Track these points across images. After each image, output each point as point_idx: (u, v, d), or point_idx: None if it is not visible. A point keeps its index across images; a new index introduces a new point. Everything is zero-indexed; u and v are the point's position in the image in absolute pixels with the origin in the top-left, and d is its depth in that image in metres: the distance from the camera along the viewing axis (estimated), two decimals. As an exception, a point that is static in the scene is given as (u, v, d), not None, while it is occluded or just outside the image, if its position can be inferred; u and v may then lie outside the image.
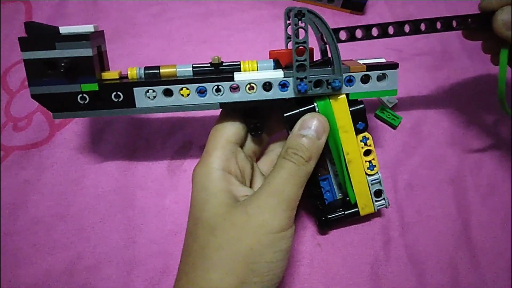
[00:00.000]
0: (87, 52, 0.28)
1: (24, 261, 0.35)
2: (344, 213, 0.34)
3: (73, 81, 0.29)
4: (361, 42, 0.31)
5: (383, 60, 0.32)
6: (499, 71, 0.32)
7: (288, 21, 0.32)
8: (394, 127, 0.40)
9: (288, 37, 0.33)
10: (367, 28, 0.30)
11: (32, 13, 0.45)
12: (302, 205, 0.29)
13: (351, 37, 0.30)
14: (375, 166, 0.32)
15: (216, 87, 0.29)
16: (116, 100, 0.29)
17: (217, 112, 0.32)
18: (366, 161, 0.32)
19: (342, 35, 0.30)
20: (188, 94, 0.30)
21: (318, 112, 0.30)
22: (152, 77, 0.30)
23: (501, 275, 0.36)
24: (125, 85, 0.29)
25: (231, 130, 0.31)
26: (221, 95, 0.30)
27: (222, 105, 0.30)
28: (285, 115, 0.30)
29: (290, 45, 0.32)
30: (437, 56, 0.44)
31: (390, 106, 0.41)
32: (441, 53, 0.44)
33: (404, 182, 0.39)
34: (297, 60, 0.29)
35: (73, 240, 0.36)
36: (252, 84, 0.29)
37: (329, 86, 0.29)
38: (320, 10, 0.36)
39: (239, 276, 0.26)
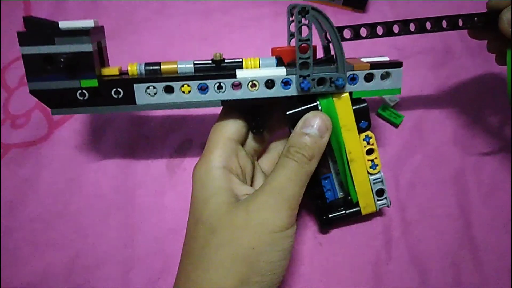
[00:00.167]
0: (87, 47, 0.27)
1: (22, 259, 0.35)
2: (345, 212, 0.34)
3: (73, 77, 0.28)
4: (363, 40, 0.31)
5: (386, 58, 0.32)
6: (507, 72, 0.32)
7: (291, 18, 0.32)
8: (396, 125, 0.40)
9: (291, 34, 0.32)
10: (372, 27, 0.30)
11: (31, 10, 0.44)
12: (303, 204, 0.29)
13: (355, 36, 0.30)
14: (377, 165, 0.32)
15: (217, 84, 0.29)
16: (116, 97, 0.29)
17: (217, 110, 0.32)
18: (368, 160, 0.32)
19: (347, 33, 0.30)
20: (189, 91, 0.29)
21: (321, 110, 0.30)
22: (152, 74, 0.29)
23: (504, 274, 0.35)
24: (126, 82, 0.29)
25: (232, 128, 0.30)
26: (223, 92, 0.29)
27: (223, 102, 0.30)
28: (287, 113, 0.30)
29: (292, 42, 0.32)
30: (439, 54, 0.44)
31: (392, 105, 0.41)
32: (443, 52, 0.44)
33: (406, 181, 0.38)
34: (300, 58, 0.28)
35: (72, 239, 0.36)
36: (254, 82, 0.29)
37: (333, 84, 0.29)
38: (321, 8, 0.36)
39: (240, 275, 0.26)
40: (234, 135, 0.30)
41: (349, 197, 0.33)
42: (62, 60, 0.27)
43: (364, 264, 0.35)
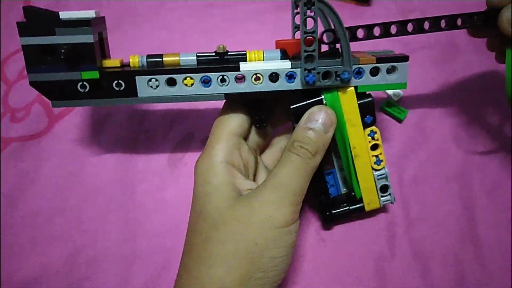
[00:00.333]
0: (88, 38, 0.27)
1: (22, 254, 0.35)
2: (349, 208, 0.33)
3: (73, 69, 0.28)
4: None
5: (392, 52, 0.31)
6: (505, 71, 0.31)
7: (295, 10, 0.31)
8: (399, 121, 0.40)
9: (296, 27, 0.32)
10: (369, 28, 0.29)
11: (30, 4, 0.44)
12: (306, 199, 0.28)
13: (353, 37, 0.30)
14: (381, 161, 0.32)
15: (221, 77, 0.29)
16: (117, 89, 0.28)
17: (219, 104, 0.31)
18: (373, 156, 0.31)
19: (360, 33, 0.29)
20: (192, 84, 0.29)
21: (326, 104, 0.29)
22: (154, 66, 0.29)
23: (507, 271, 0.35)
24: (127, 74, 0.28)
25: (235, 122, 0.30)
26: (226, 85, 0.29)
27: (227, 95, 0.29)
28: (291, 107, 0.29)
29: (297, 35, 0.32)
30: (443, 49, 0.43)
31: (396, 100, 0.40)
32: (447, 46, 0.44)
33: (409, 177, 0.38)
34: (305, 51, 0.28)
35: (72, 234, 0.35)
36: (258, 75, 0.29)
37: (338, 78, 0.29)
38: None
39: (243, 271, 0.26)
40: (237, 130, 0.30)
41: (353, 193, 0.33)
42: (62, 51, 0.26)
43: (367, 260, 0.35)
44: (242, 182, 0.29)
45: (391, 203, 0.33)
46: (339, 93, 0.29)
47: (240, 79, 0.29)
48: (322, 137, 0.28)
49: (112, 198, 0.36)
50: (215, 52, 0.29)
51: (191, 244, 0.28)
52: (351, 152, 0.31)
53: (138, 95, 0.29)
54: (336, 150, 0.32)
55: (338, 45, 0.29)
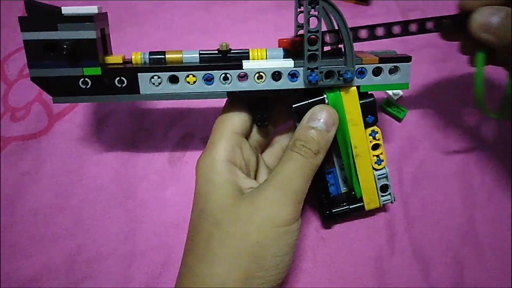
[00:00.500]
0: (91, 34, 0.27)
1: (23, 253, 0.35)
2: (349, 208, 0.33)
3: (75, 64, 0.27)
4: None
5: (394, 52, 0.31)
6: (475, 75, 0.31)
7: (299, 9, 0.31)
8: (399, 120, 0.40)
9: (299, 26, 0.32)
10: (354, 31, 0.29)
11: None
12: (306, 198, 0.28)
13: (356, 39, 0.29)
14: (382, 160, 0.32)
15: (223, 75, 0.28)
16: (119, 86, 0.28)
17: (219, 103, 0.31)
18: (373, 156, 0.31)
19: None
20: (194, 82, 0.29)
21: (328, 104, 0.29)
22: (157, 63, 0.29)
23: (507, 270, 0.35)
24: (130, 70, 0.28)
25: (237, 120, 0.30)
26: (229, 83, 0.29)
27: (229, 94, 0.29)
28: (293, 106, 0.29)
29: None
30: (443, 47, 0.43)
31: (395, 99, 0.40)
32: (447, 45, 0.43)
33: (409, 176, 0.38)
34: (309, 50, 0.28)
35: (73, 232, 0.35)
36: (261, 73, 0.29)
37: (341, 78, 0.29)
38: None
39: (244, 270, 0.26)
40: (238, 128, 0.30)
41: (353, 192, 0.33)
42: (64, 46, 0.26)
43: (367, 259, 0.35)
44: (243, 180, 0.29)
45: (391, 202, 0.33)
46: (341, 92, 0.29)
47: (243, 77, 0.29)
48: (324, 137, 0.28)
49: (112, 196, 0.36)
50: (217, 50, 0.29)
51: (192, 243, 0.28)
52: (352, 151, 0.31)
53: (140, 92, 0.28)
54: (336, 149, 0.32)
55: (340, 45, 0.29)
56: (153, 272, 0.34)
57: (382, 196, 0.33)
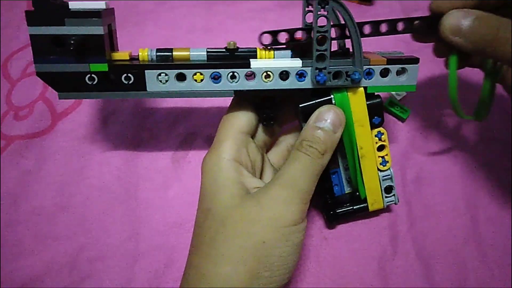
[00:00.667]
0: (98, 30, 0.26)
1: (25, 252, 0.34)
2: (352, 208, 0.33)
3: (82, 60, 0.27)
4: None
5: (402, 53, 0.31)
6: (448, 78, 0.30)
7: (307, 8, 0.31)
8: (402, 120, 0.40)
9: (306, 25, 0.32)
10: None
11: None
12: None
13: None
14: (387, 162, 0.32)
15: (231, 73, 0.28)
16: (126, 83, 0.28)
17: (223, 102, 0.31)
18: (379, 157, 0.31)
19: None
20: (201, 80, 0.28)
21: (335, 104, 0.29)
22: (164, 60, 0.29)
23: (510, 270, 0.35)
24: (137, 67, 0.28)
25: (243, 119, 0.30)
26: (236, 82, 0.29)
27: (236, 92, 0.29)
28: (300, 106, 0.29)
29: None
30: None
31: (398, 99, 0.40)
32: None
33: (412, 176, 0.38)
34: (317, 50, 0.28)
35: (76, 232, 0.35)
36: (268, 72, 0.28)
37: (348, 78, 0.29)
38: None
39: (250, 269, 0.26)
40: (244, 127, 0.30)
41: (357, 193, 0.33)
42: (71, 42, 0.26)
43: (370, 259, 0.35)
44: (249, 180, 0.28)
45: (395, 203, 0.34)
46: (348, 93, 0.29)
47: (250, 76, 0.29)
48: (331, 137, 0.28)
49: (115, 196, 0.36)
50: (225, 48, 0.29)
51: (198, 242, 0.27)
52: (357, 152, 0.31)
53: (147, 89, 0.28)
54: (342, 150, 0.32)
55: (348, 45, 0.29)
56: (156, 272, 0.34)
57: (386, 197, 0.33)
